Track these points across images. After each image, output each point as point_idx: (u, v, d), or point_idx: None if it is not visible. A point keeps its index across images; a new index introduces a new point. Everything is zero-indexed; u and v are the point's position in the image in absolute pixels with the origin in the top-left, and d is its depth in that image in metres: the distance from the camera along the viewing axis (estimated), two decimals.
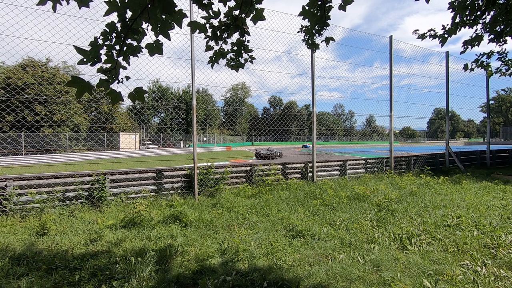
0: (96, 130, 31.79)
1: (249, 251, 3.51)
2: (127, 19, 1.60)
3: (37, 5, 1.54)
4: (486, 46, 3.21)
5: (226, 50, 2.41)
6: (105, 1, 1.54)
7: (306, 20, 2.36)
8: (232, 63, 2.50)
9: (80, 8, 1.62)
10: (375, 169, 9.93)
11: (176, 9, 1.67)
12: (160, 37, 1.75)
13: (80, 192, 5.78)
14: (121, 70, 1.70)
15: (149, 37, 1.72)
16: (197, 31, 2.09)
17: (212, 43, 2.28)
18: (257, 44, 7.98)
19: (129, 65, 1.75)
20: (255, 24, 2.24)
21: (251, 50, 2.46)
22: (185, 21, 1.77)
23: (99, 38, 1.61)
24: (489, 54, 3.48)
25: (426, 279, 2.82)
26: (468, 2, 2.66)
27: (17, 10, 5.19)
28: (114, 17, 1.64)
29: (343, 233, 4.17)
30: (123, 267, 3.12)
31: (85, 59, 1.57)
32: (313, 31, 2.52)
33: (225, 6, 2.05)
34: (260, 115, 53.64)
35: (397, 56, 10.31)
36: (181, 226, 4.58)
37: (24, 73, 22.38)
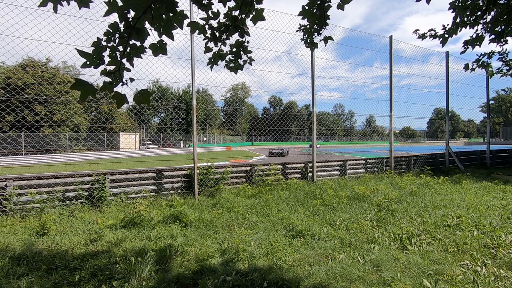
0: (96, 130, 31.79)
1: (249, 251, 3.51)
2: (129, 19, 1.58)
3: (38, 6, 1.53)
4: (487, 46, 3.21)
5: (225, 52, 2.41)
6: (104, 1, 1.53)
7: (306, 19, 2.36)
8: (231, 65, 2.50)
9: (80, 8, 1.61)
10: (375, 169, 9.93)
11: (177, 9, 1.67)
12: (164, 37, 1.73)
13: (80, 192, 5.78)
14: (124, 72, 1.67)
15: (153, 38, 1.70)
16: (197, 31, 2.09)
17: (211, 44, 2.28)
18: (257, 44, 7.99)
19: (133, 67, 1.71)
20: (255, 25, 2.24)
21: (250, 51, 2.45)
22: (185, 21, 1.76)
23: (102, 39, 1.58)
24: (490, 54, 3.48)
25: (426, 279, 2.82)
26: (468, 2, 2.66)
27: (17, 10, 5.19)
28: (114, 17, 1.62)
29: (343, 233, 4.17)
30: (123, 267, 3.12)
31: (88, 62, 1.54)
32: (312, 30, 2.52)
33: (224, 6, 2.04)
34: (260, 115, 53.67)
35: (397, 56, 10.33)
36: (181, 226, 4.58)
37: (24, 73, 22.39)
